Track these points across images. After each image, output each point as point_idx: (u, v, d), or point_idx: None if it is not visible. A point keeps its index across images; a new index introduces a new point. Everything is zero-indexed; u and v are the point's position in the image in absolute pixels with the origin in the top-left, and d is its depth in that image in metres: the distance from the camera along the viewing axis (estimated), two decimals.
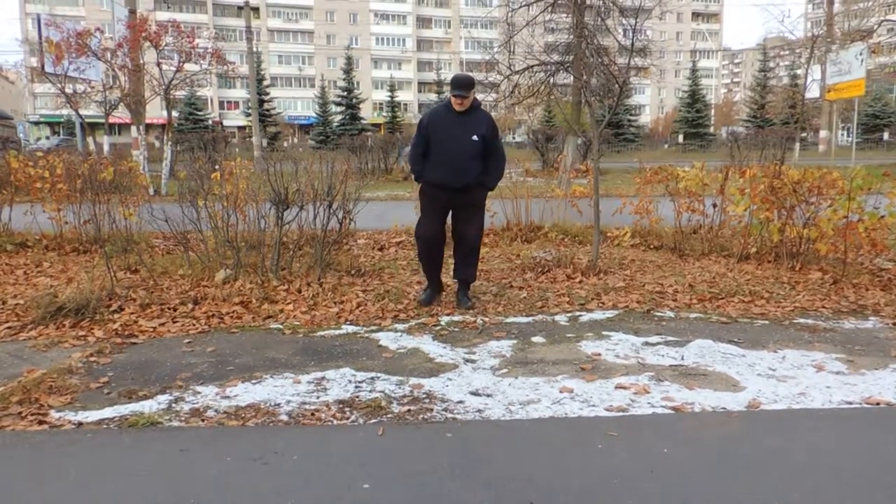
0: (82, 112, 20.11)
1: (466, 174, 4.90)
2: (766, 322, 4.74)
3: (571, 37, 16.73)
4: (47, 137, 52.69)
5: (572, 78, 16.22)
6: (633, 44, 6.53)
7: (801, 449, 2.78)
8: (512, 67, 16.61)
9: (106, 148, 19.94)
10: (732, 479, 2.53)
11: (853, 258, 6.22)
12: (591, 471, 2.59)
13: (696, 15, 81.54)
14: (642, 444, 2.82)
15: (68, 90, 18.63)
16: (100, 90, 19.11)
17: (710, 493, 2.42)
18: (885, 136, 42.29)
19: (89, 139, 20.61)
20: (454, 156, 4.88)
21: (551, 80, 16.16)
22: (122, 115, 22.30)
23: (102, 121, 20.30)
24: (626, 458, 2.68)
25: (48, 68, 18.40)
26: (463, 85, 4.84)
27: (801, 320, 4.78)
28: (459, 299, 5.15)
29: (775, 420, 3.10)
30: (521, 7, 16.74)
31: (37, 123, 60.78)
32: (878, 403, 3.27)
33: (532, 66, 16.50)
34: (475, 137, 4.87)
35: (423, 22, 77.13)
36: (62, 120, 52.86)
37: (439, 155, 4.93)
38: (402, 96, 65.70)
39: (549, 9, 16.92)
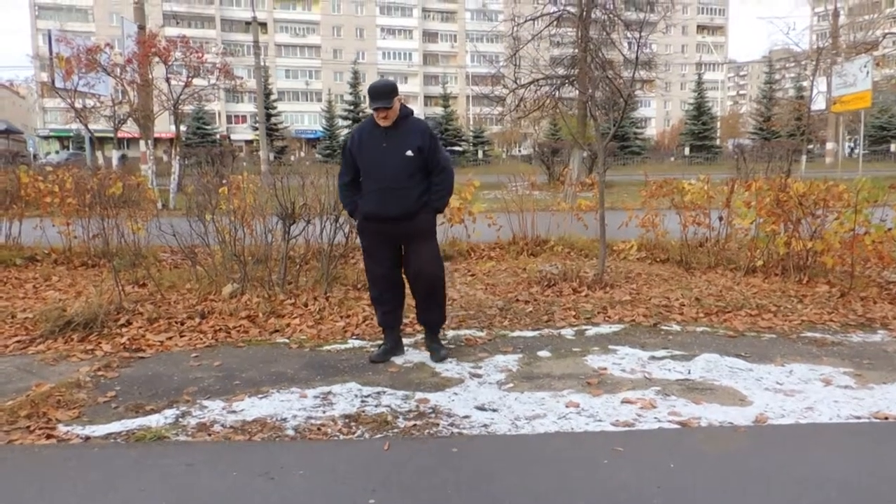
0: (91, 126, 20.28)
1: (406, 199, 4.05)
2: (774, 336, 4.73)
3: (576, 50, 16.83)
4: (57, 152, 53.08)
5: (577, 91, 16.29)
6: (637, 57, 6.56)
7: (809, 464, 2.76)
8: (517, 81, 16.72)
9: (115, 162, 20.10)
10: (740, 494, 2.51)
11: (860, 271, 6.19)
12: (597, 486, 2.59)
13: (701, 28, 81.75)
14: (649, 459, 2.81)
15: (78, 105, 18.80)
16: (109, 105, 19.28)
17: None
18: (892, 147, 42.19)
19: (98, 153, 20.78)
20: (387, 179, 4.04)
21: (557, 94, 16.24)
22: (130, 129, 22.49)
23: (111, 135, 20.46)
24: (632, 474, 2.67)
25: (58, 83, 18.58)
26: (380, 94, 3.95)
27: (809, 334, 4.76)
28: (429, 348, 4.32)
29: (783, 435, 3.08)
30: (526, 21, 16.87)
31: (46, 138, 61.30)
32: (886, 418, 3.25)
33: (537, 80, 16.60)
34: (409, 153, 4.02)
35: (429, 36, 77.61)
36: (71, 134, 53.27)
37: (370, 181, 4.11)
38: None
39: (555, 23, 17.04)
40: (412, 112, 4.23)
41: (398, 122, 4.08)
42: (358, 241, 6.73)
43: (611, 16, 15.41)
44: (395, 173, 4.03)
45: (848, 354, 4.28)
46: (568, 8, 16.53)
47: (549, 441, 3.01)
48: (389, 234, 4.16)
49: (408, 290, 4.40)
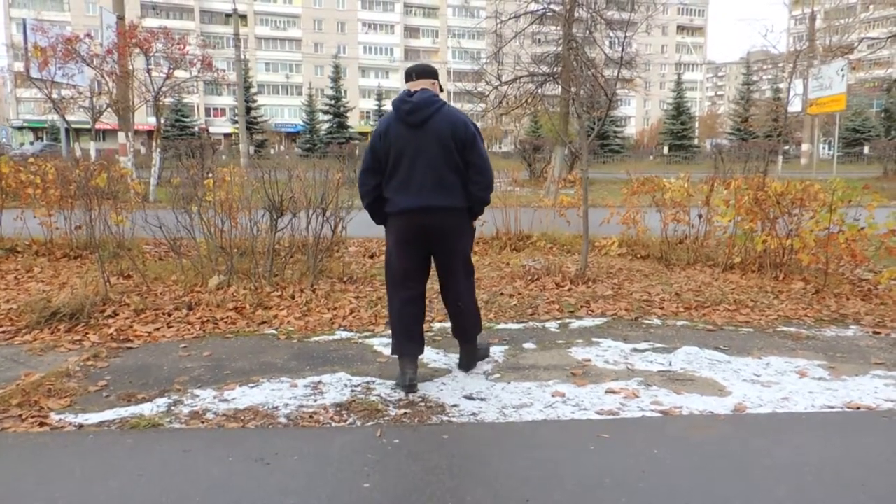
0: (68, 117, 20.00)
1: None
2: (751, 330, 4.86)
3: (559, 48, 16.95)
4: (31, 143, 52.19)
5: (560, 89, 16.41)
6: (622, 57, 6.67)
7: (786, 451, 2.88)
8: (500, 78, 16.78)
9: (92, 154, 19.87)
10: (720, 478, 2.62)
11: (834, 268, 6.37)
12: (585, 471, 2.68)
13: (681, 28, 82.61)
14: (633, 445, 2.91)
15: (55, 96, 18.54)
16: (87, 96, 19.04)
17: (699, 492, 2.51)
18: (866, 150, 43.02)
19: (75, 145, 20.52)
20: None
21: (539, 91, 16.34)
22: (107, 121, 22.23)
23: (87, 126, 20.21)
24: (617, 459, 2.77)
25: (34, 73, 18.31)
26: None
27: (785, 328, 4.91)
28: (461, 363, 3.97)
29: (760, 423, 3.20)
30: (509, 19, 16.93)
31: (20, 128, 60.22)
32: (858, 408, 3.39)
33: (520, 77, 16.69)
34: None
35: (410, 32, 77.47)
36: (46, 125, 52.43)
37: None
38: (389, 105, 65.84)
39: (538, 21, 17.14)
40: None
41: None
42: (343, 234, 6.83)
43: (594, 15, 15.54)
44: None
45: (822, 348, 4.42)
46: (551, 6, 16.62)
47: (536, 429, 3.10)
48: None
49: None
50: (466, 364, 3.93)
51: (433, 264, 3.80)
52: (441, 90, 3.80)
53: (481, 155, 3.62)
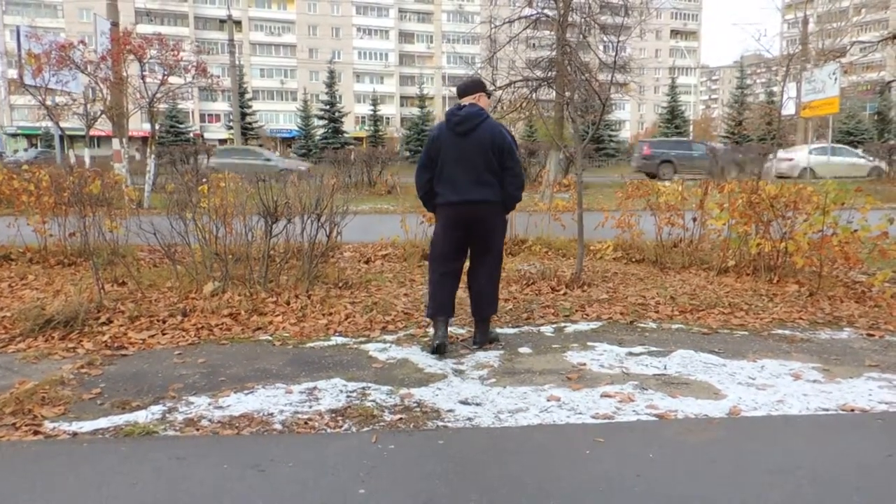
0: (62, 124, 19.98)
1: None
2: (746, 333, 4.88)
3: (554, 53, 17.00)
4: (25, 150, 52.03)
5: (555, 93, 16.43)
6: (615, 61, 6.70)
7: (780, 453, 2.88)
8: (494, 83, 16.80)
9: (87, 161, 19.83)
10: (715, 482, 2.63)
11: (828, 271, 6.39)
12: (580, 475, 2.68)
13: (674, 33, 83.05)
14: (628, 449, 2.91)
15: (49, 102, 18.52)
16: (82, 103, 19.02)
17: (694, 495, 2.51)
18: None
19: (70, 152, 20.48)
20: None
21: (534, 96, 16.37)
22: (101, 127, 22.19)
23: (82, 133, 20.19)
24: (613, 463, 2.77)
25: (28, 80, 18.30)
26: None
27: (779, 331, 4.92)
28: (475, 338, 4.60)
29: (755, 426, 3.21)
30: (503, 24, 16.97)
31: (14, 135, 60.06)
32: (852, 410, 3.40)
33: (515, 82, 16.71)
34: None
35: (405, 37, 77.63)
36: (40, 132, 52.29)
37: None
38: (384, 110, 66.03)
39: (532, 26, 17.18)
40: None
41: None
42: (338, 239, 6.82)
43: (588, 19, 15.58)
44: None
45: (816, 351, 4.43)
46: (545, 11, 16.66)
47: (532, 433, 3.10)
48: None
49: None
50: (480, 340, 4.54)
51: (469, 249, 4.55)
52: (489, 96, 4.60)
53: (516, 160, 4.38)
